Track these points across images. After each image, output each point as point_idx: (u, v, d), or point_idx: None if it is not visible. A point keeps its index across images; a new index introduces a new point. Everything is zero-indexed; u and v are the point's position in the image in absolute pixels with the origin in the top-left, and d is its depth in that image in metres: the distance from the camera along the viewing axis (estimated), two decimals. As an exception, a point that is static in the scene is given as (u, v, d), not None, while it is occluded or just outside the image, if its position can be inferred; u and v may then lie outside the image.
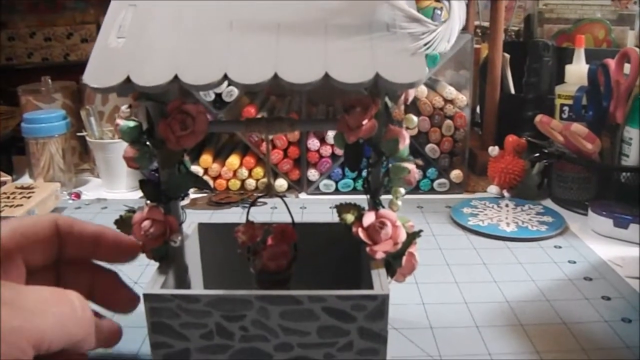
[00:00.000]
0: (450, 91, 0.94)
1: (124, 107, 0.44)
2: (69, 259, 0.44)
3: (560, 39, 1.10)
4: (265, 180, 0.97)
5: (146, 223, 0.43)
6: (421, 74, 0.37)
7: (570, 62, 0.95)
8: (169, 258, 0.44)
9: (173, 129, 0.41)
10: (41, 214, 0.44)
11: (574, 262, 0.71)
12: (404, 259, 0.45)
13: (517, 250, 0.74)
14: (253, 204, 0.50)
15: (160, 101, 0.42)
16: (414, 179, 0.44)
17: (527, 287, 0.64)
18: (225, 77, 0.37)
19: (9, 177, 0.92)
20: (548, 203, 0.92)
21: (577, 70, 0.91)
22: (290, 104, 1.06)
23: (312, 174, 0.96)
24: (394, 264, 0.45)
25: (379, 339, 0.41)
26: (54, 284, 0.41)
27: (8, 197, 0.80)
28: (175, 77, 0.37)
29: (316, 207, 0.90)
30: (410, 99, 0.45)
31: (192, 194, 0.95)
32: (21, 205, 0.77)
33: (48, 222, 0.42)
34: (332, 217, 0.87)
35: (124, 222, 0.44)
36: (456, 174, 0.96)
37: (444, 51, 0.40)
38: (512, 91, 1.07)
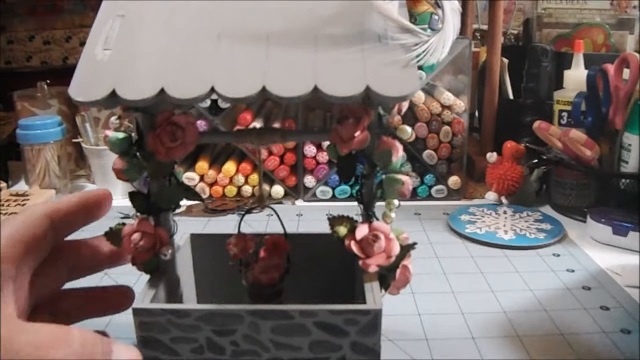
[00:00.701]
0: (448, 97, 0.93)
1: (113, 119, 0.43)
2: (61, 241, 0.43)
3: (559, 44, 1.09)
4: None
5: (136, 236, 0.42)
6: (413, 87, 0.36)
7: (569, 67, 0.94)
8: (160, 271, 0.44)
9: (162, 140, 0.40)
10: (28, 210, 0.42)
11: (573, 271, 0.70)
12: (398, 271, 0.44)
13: (515, 258, 0.74)
14: (246, 213, 0.49)
15: (149, 113, 0.41)
16: (408, 190, 0.44)
17: (525, 297, 0.64)
18: (212, 90, 0.36)
19: (4, 184, 0.91)
20: (547, 210, 0.91)
21: (576, 76, 0.90)
22: (287, 109, 1.05)
23: (309, 181, 0.95)
24: (388, 276, 0.44)
25: (372, 353, 0.40)
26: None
27: (2, 205, 0.79)
28: (162, 90, 0.36)
29: (313, 215, 0.89)
30: (404, 109, 0.44)
31: (187, 201, 0.95)
32: (15, 213, 0.76)
33: (39, 218, 0.40)
34: (329, 226, 0.87)
35: (114, 235, 0.43)
36: (454, 181, 0.96)
37: (437, 62, 0.39)
38: (511, 96, 1.06)
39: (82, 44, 1.44)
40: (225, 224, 0.85)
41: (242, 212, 0.90)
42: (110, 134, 0.42)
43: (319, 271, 0.52)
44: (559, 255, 0.75)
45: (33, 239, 0.39)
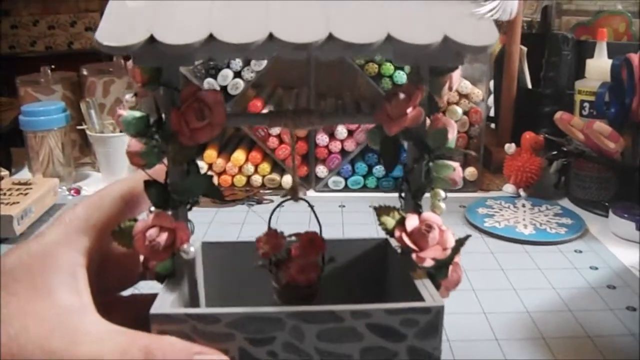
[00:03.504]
0: (465, 85, 0.90)
1: (128, 96, 0.39)
2: None
3: (579, 32, 1.05)
4: (272, 177, 0.93)
5: (152, 232, 0.37)
6: (494, 37, 0.33)
7: (590, 55, 0.90)
8: (176, 275, 0.39)
9: (187, 119, 0.35)
10: (103, 190, 0.39)
11: (596, 269, 0.68)
12: (450, 269, 0.40)
13: (535, 254, 0.71)
14: (278, 206, 0.44)
15: (172, 87, 0.37)
16: (459, 177, 0.40)
17: (548, 296, 0.61)
18: (271, 36, 0.31)
19: (6, 172, 0.89)
20: (566, 203, 0.89)
21: (599, 65, 0.87)
22: (297, 97, 1.02)
23: (321, 171, 0.92)
24: (438, 275, 0.40)
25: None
26: None
27: (5, 194, 0.77)
28: (211, 36, 0.31)
29: (325, 206, 0.86)
30: (455, 86, 0.41)
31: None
32: (18, 202, 0.74)
33: (115, 200, 0.38)
34: (342, 217, 0.84)
35: (123, 233, 0.38)
36: (470, 172, 0.93)
37: (507, 19, 0.36)
38: (529, 86, 1.03)
39: (88, 28, 1.41)
40: (234, 216, 0.83)
41: (253, 202, 0.87)
42: (125, 112, 0.39)
43: (345, 279, 0.48)
44: (581, 252, 0.72)
45: (109, 225, 0.36)
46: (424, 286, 0.37)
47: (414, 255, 0.38)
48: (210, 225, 0.78)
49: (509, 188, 0.91)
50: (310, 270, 0.40)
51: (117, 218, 0.37)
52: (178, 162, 0.38)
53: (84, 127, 0.95)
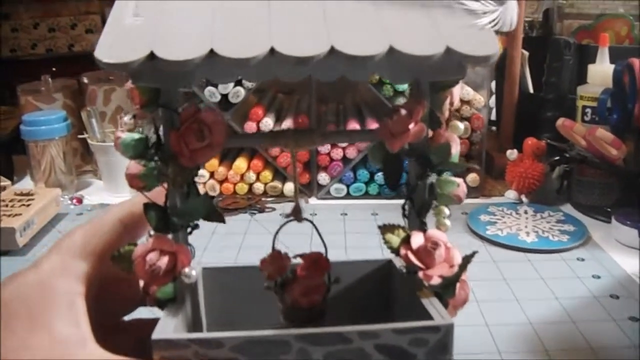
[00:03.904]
0: (467, 91, 0.90)
1: (126, 118, 0.39)
2: None
3: (581, 35, 1.05)
4: (274, 184, 0.93)
5: (152, 255, 0.36)
6: (495, 48, 0.33)
7: (592, 60, 0.90)
8: (177, 301, 0.38)
9: (187, 140, 0.35)
10: (102, 214, 0.38)
11: (599, 277, 0.68)
12: (457, 286, 0.39)
13: (538, 263, 0.71)
14: (281, 228, 0.44)
15: (171, 108, 0.37)
16: (464, 193, 0.39)
17: (551, 307, 0.61)
18: (272, 51, 0.31)
19: (8, 182, 0.89)
20: (568, 209, 0.88)
21: (601, 71, 0.86)
22: (298, 102, 1.02)
23: (323, 178, 0.92)
24: (445, 294, 0.39)
25: None
26: None
27: (7, 205, 0.77)
28: (211, 51, 0.30)
29: (327, 214, 0.86)
30: (456, 102, 0.41)
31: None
32: (20, 214, 0.74)
33: (114, 224, 0.37)
34: (344, 225, 0.84)
35: (122, 258, 0.37)
36: (472, 178, 0.93)
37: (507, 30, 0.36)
38: (531, 90, 1.03)
39: (88, 31, 1.41)
40: (237, 225, 0.82)
41: (255, 211, 0.87)
42: (124, 135, 0.38)
43: (349, 302, 0.47)
44: (583, 260, 0.72)
45: (108, 250, 0.36)
46: (432, 305, 0.37)
47: (420, 273, 0.37)
48: (213, 235, 0.78)
49: (511, 194, 0.91)
50: (314, 293, 0.40)
51: (116, 243, 0.37)
52: (178, 184, 0.37)
53: (85, 136, 0.94)
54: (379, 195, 0.93)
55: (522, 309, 0.61)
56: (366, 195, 0.93)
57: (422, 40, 0.32)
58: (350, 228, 0.80)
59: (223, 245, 0.75)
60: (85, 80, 1.01)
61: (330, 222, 0.83)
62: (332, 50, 0.31)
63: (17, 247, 0.72)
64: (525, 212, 0.85)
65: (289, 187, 0.92)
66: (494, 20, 0.35)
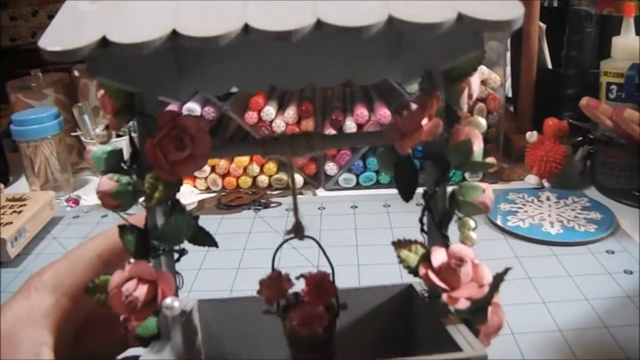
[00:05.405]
0: (482, 70, 0.84)
1: (98, 130, 0.35)
2: None
3: (601, 4, 0.98)
4: (279, 176, 0.88)
5: (129, 285, 0.31)
6: (518, 10, 0.26)
7: (616, 32, 0.83)
8: (162, 337, 0.33)
9: (165, 150, 0.30)
10: (77, 250, 0.34)
11: (631, 273, 0.62)
12: (489, 311, 0.33)
13: (564, 257, 0.66)
14: (281, 246, 0.39)
15: (148, 115, 0.32)
16: (490, 200, 0.33)
17: (581, 309, 0.56)
18: (247, 28, 0.25)
19: (1, 186, 0.84)
20: (592, 192, 0.83)
21: (626, 44, 0.80)
22: (302, 90, 0.96)
23: (331, 168, 0.87)
24: (475, 320, 0.33)
25: None
26: None
27: (-2, 212, 0.73)
28: (174, 32, 0.25)
29: (336, 208, 0.81)
30: (475, 95, 0.35)
31: (200, 193, 0.88)
32: (11, 223, 0.70)
33: (90, 261, 0.34)
34: (355, 220, 0.79)
35: (97, 289, 0.32)
36: (489, 161, 0.87)
37: None
38: (550, 66, 0.96)
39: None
40: (241, 223, 0.78)
41: (259, 207, 0.83)
42: (95, 148, 0.34)
43: (364, 333, 0.42)
44: (613, 253, 0.67)
45: (82, 290, 0.32)
46: (459, 333, 0.32)
47: (444, 296, 0.32)
48: (215, 235, 0.73)
49: (531, 179, 0.85)
50: (314, 323, 0.34)
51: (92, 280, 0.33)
52: (156, 201, 0.32)
53: (78, 133, 0.90)
54: (390, 184, 0.87)
55: (550, 312, 0.56)
56: (377, 184, 0.88)
57: (428, 7, 0.26)
58: (360, 223, 0.75)
59: (225, 248, 0.71)
60: (77, 74, 0.96)
61: (339, 218, 0.78)
62: (319, 24, 0.25)
63: (8, 258, 0.68)
64: (548, 199, 0.80)
65: (296, 179, 0.87)
66: None
